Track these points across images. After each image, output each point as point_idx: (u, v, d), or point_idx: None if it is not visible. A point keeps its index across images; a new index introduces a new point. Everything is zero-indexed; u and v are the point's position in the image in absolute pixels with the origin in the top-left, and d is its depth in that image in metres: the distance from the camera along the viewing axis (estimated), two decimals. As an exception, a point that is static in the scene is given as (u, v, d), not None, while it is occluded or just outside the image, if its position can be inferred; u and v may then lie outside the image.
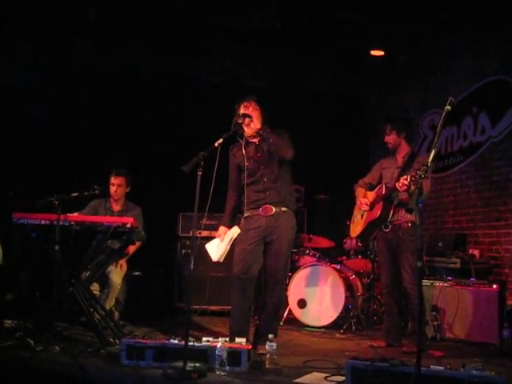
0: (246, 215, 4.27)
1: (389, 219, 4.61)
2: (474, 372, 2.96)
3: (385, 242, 4.72)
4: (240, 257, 4.15)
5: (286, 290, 5.63)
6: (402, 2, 5.78)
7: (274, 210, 4.19)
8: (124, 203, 5.43)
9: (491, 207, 5.86)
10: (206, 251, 4.36)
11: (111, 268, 5.15)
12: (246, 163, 4.26)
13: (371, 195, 4.82)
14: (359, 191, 4.94)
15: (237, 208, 4.38)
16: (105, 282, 5.20)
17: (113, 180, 5.34)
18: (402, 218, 4.59)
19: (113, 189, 5.33)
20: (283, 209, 4.22)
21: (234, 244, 4.29)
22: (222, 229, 4.38)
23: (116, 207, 5.39)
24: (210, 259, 4.37)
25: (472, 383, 2.92)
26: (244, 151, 4.28)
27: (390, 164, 4.84)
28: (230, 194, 4.42)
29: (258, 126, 4.17)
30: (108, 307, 4.99)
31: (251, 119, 4.13)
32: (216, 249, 4.31)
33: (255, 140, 4.28)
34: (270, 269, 4.22)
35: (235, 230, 4.31)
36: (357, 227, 4.95)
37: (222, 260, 4.33)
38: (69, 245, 4.20)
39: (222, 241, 4.31)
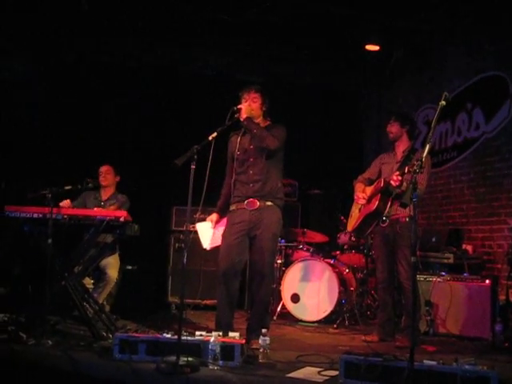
0: (231, 209, 4.26)
1: (386, 213, 4.60)
2: (467, 367, 2.97)
3: (382, 236, 4.71)
4: (225, 252, 4.13)
5: (275, 284, 5.65)
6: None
7: (258, 203, 4.15)
8: (113, 193, 5.52)
9: (484, 203, 5.88)
10: (200, 245, 4.34)
11: (107, 261, 5.16)
12: (237, 152, 4.26)
13: (369, 190, 4.82)
14: (358, 186, 4.93)
15: (231, 195, 4.34)
16: (99, 276, 5.20)
17: (100, 169, 5.51)
18: (400, 213, 4.58)
19: (101, 176, 5.46)
20: (268, 203, 4.18)
21: None
22: (214, 215, 4.37)
23: (104, 196, 5.48)
24: (204, 253, 4.36)
25: (464, 378, 2.93)
26: (239, 140, 4.27)
27: (389, 159, 4.83)
28: (226, 180, 4.39)
29: (243, 116, 4.11)
30: (101, 301, 4.98)
31: (239, 112, 4.10)
32: (209, 236, 4.30)
33: None
34: (256, 264, 4.19)
35: None
36: (354, 221, 4.94)
37: (208, 248, 4.34)
38: (61, 238, 4.17)
39: (212, 227, 4.32)
